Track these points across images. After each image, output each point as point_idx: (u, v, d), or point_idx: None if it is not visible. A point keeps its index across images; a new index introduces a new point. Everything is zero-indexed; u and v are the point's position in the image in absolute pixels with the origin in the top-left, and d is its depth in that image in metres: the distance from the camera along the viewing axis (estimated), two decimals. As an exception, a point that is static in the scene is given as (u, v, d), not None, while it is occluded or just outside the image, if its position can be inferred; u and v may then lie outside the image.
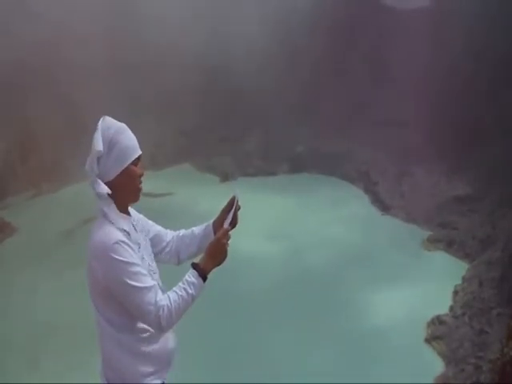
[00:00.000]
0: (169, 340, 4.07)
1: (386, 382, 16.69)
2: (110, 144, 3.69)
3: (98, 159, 3.67)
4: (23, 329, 19.98)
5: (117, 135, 3.74)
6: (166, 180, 32.70)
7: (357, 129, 34.56)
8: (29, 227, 27.89)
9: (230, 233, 4.14)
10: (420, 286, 22.26)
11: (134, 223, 4.00)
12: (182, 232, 4.47)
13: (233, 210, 4.13)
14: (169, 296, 3.73)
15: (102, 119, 3.84)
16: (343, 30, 35.99)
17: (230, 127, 37.77)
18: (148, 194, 31.10)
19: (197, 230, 4.46)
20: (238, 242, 21.45)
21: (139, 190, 3.94)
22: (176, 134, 37.57)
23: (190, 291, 3.76)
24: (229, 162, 37.06)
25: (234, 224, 4.22)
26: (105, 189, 3.65)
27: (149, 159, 35.57)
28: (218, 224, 4.36)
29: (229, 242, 4.03)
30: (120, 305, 3.65)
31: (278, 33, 36.81)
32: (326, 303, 20.62)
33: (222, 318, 19.49)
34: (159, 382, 3.94)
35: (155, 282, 3.75)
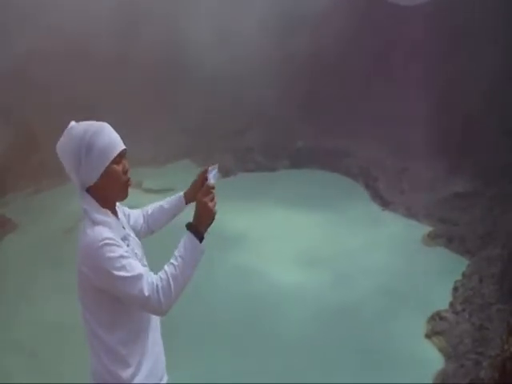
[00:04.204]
0: (156, 345, 4.06)
1: (387, 378, 16.78)
2: (88, 147, 3.63)
3: (78, 166, 3.66)
4: (22, 324, 20.04)
5: (93, 137, 3.64)
6: (167, 176, 32.68)
7: (357, 125, 34.54)
8: (29, 224, 27.92)
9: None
10: (420, 282, 22.34)
11: (121, 219, 3.99)
12: (151, 209, 4.52)
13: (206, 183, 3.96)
14: (165, 270, 3.66)
15: (70, 127, 3.73)
16: (344, 27, 35.91)
17: (230, 124, 37.76)
18: (148, 190, 31.17)
19: (166, 204, 4.50)
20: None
21: (125, 187, 3.86)
22: (177, 130, 37.57)
23: (186, 257, 3.66)
24: (229, 157, 37.06)
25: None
26: (81, 199, 3.80)
27: (150, 156, 35.63)
28: (189, 195, 4.44)
29: (214, 200, 3.86)
30: (112, 304, 3.67)
31: (279, 31, 36.77)
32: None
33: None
34: (154, 382, 3.95)
35: (145, 268, 3.72)
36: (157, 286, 3.58)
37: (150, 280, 3.60)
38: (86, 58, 34.36)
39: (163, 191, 30.97)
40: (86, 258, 3.59)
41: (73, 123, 3.75)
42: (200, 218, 3.80)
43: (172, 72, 37.51)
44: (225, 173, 35.87)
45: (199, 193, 3.87)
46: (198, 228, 3.76)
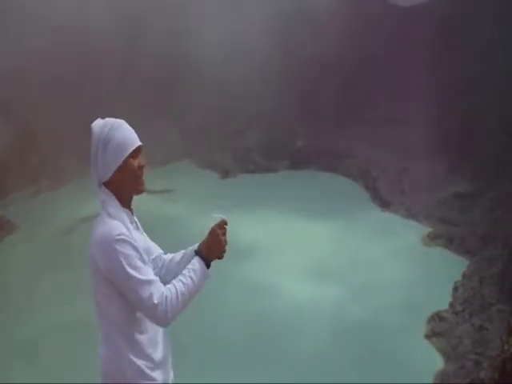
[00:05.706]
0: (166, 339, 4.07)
1: (387, 377, 16.77)
2: (105, 141, 3.73)
3: (96, 160, 3.71)
4: (23, 325, 20.02)
5: (111, 132, 3.75)
6: (167, 177, 32.66)
7: (357, 126, 34.51)
8: (29, 225, 27.89)
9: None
10: (420, 283, 22.32)
11: (136, 221, 4.00)
12: (168, 259, 4.28)
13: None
14: (174, 285, 3.72)
15: (95, 122, 3.83)
16: (344, 28, 35.90)
17: (230, 124, 37.73)
18: (148, 191, 31.07)
19: (178, 256, 4.20)
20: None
21: (141, 181, 3.93)
22: (176, 130, 37.56)
23: (195, 278, 3.75)
24: (229, 158, 37.05)
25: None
26: (103, 193, 3.80)
27: (149, 156, 35.49)
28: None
29: (225, 236, 3.97)
30: (122, 295, 3.67)
31: (279, 31, 36.76)
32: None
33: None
34: (160, 381, 3.92)
35: (156, 277, 3.73)
36: (166, 296, 3.64)
37: (161, 289, 3.65)
38: (86, 58, 34.36)
39: (162, 192, 31.00)
40: (100, 247, 3.60)
41: (97, 120, 3.85)
42: (210, 247, 3.90)
43: (172, 72, 37.49)
44: (224, 174, 35.90)
45: (215, 224, 3.95)
46: (208, 256, 3.87)
